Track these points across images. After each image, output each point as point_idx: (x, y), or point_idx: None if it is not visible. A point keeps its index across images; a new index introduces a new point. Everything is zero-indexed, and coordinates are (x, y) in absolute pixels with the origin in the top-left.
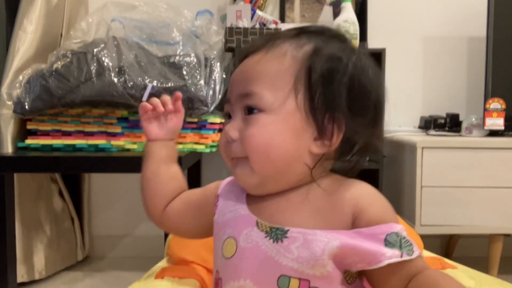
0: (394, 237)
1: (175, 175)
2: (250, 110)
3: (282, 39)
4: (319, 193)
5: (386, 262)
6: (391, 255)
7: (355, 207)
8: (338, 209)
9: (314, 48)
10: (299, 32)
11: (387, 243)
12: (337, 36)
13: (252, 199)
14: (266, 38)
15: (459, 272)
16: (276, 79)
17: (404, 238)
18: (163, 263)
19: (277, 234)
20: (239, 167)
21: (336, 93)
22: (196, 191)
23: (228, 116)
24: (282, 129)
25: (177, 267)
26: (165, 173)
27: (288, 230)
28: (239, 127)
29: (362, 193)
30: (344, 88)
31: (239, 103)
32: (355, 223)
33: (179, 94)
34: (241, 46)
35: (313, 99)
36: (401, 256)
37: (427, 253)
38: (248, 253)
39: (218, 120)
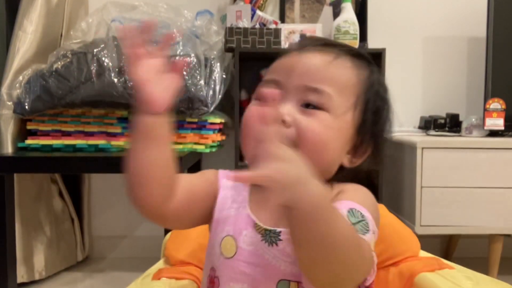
0: (357, 214)
1: (172, 158)
2: (308, 104)
3: (345, 52)
4: None
5: None
6: None
7: (339, 193)
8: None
9: (371, 79)
10: (357, 53)
11: (349, 214)
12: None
13: (255, 197)
14: (327, 43)
15: (457, 272)
16: (344, 89)
17: (364, 218)
18: (160, 264)
19: (271, 237)
20: None
21: (379, 126)
22: (196, 181)
23: (263, 98)
24: (338, 134)
25: (174, 268)
26: (170, 156)
27: (280, 232)
28: (294, 115)
29: (351, 185)
30: (385, 123)
31: (299, 93)
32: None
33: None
34: (241, 46)
35: (363, 122)
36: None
37: (424, 254)
38: (248, 256)
39: (218, 120)
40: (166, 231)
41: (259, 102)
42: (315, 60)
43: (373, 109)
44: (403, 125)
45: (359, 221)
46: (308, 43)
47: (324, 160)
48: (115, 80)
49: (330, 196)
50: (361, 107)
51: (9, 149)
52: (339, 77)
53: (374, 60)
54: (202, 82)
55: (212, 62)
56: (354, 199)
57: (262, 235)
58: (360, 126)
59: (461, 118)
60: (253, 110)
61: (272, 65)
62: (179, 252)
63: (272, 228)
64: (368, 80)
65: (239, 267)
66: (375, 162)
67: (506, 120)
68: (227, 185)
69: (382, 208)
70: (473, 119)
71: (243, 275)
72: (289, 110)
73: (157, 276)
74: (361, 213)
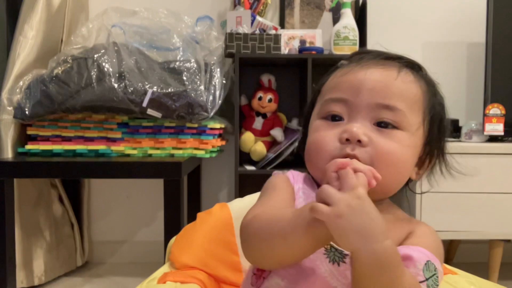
0: (432, 267)
1: None
2: (381, 122)
3: (405, 65)
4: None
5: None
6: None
7: (411, 233)
8: (394, 231)
9: (431, 90)
10: (413, 64)
11: (425, 268)
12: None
13: None
14: (387, 57)
15: (460, 278)
16: (414, 104)
17: (436, 272)
18: (165, 268)
19: (335, 255)
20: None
21: (442, 138)
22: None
23: (332, 118)
24: (413, 152)
25: (179, 272)
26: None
27: (346, 255)
28: (368, 134)
29: (423, 226)
30: (447, 131)
31: (371, 111)
32: (403, 242)
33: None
34: (241, 52)
35: (431, 135)
36: (424, 282)
37: None
38: (308, 268)
39: (218, 125)
40: (166, 236)
41: (327, 121)
42: (382, 75)
43: (438, 121)
44: None
45: (432, 276)
46: (367, 56)
47: (401, 178)
48: (115, 85)
49: (401, 234)
50: (428, 120)
51: (9, 154)
52: (407, 93)
53: None
54: (202, 87)
55: (212, 68)
56: (430, 248)
57: (326, 249)
58: (428, 139)
59: (460, 124)
60: (324, 128)
61: (332, 80)
62: (184, 256)
63: (339, 248)
64: (429, 91)
65: (292, 267)
66: (441, 170)
67: (505, 126)
68: (303, 188)
69: None
70: (473, 125)
71: (292, 275)
72: (364, 129)
73: (162, 280)
74: (435, 267)
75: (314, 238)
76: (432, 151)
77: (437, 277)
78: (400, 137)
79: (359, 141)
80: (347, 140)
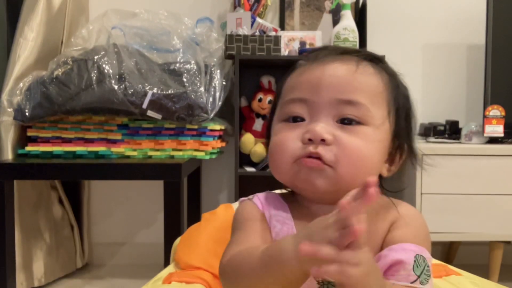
0: (421, 260)
1: None
2: (344, 119)
3: (363, 58)
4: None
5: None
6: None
7: (394, 222)
8: (377, 225)
9: (394, 81)
10: (373, 57)
11: (415, 265)
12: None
13: (298, 216)
14: (343, 51)
15: (464, 279)
16: (375, 97)
17: (426, 262)
18: (170, 268)
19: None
20: (318, 171)
21: (410, 131)
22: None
23: (293, 119)
24: (380, 147)
25: (184, 272)
26: None
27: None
28: (332, 132)
29: (405, 210)
30: (414, 123)
31: (333, 108)
32: (387, 236)
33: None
34: (241, 53)
35: (398, 128)
36: (417, 280)
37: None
38: None
39: (218, 127)
40: (166, 238)
41: (288, 123)
42: (340, 70)
43: (404, 113)
44: None
45: (423, 270)
46: (322, 52)
47: (366, 174)
48: (116, 87)
49: (384, 226)
50: (394, 112)
51: (9, 156)
52: (368, 85)
53: None
54: (202, 89)
55: (212, 69)
56: (416, 237)
57: (319, 283)
58: (396, 133)
59: (460, 125)
60: (285, 130)
61: (290, 81)
62: (189, 256)
63: (332, 280)
64: (391, 83)
65: None
66: (412, 163)
67: (505, 127)
68: (273, 222)
69: None
70: (473, 126)
71: None
72: (325, 128)
73: (167, 280)
74: (423, 258)
75: (294, 276)
76: (402, 145)
77: (428, 266)
78: (364, 132)
79: (322, 140)
80: (310, 140)
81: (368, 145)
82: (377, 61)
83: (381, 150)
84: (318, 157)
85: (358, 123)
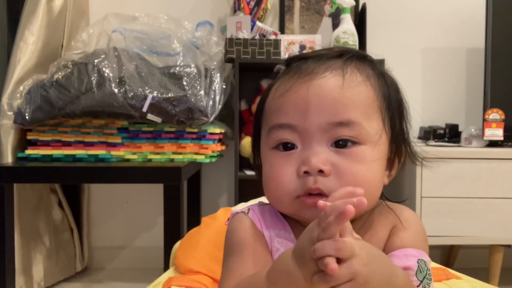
0: (423, 266)
1: None
2: (338, 141)
3: (349, 60)
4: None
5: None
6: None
7: (393, 227)
8: (378, 233)
9: (383, 83)
10: (359, 55)
11: (418, 271)
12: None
13: (297, 228)
14: (322, 57)
15: (464, 282)
16: (368, 109)
17: (427, 266)
18: (170, 273)
19: None
20: None
21: (405, 129)
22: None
23: (284, 146)
24: (379, 164)
25: (183, 277)
26: None
27: None
28: (329, 160)
29: (403, 214)
30: (407, 119)
31: (325, 132)
32: (388, 242)
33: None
34: (241, 57)
35: (394, 134)
36: (420, 285)
37: (432, 264)
38: None
39: (218, 130)
40: (166, 242)
41: (279, 151)
42: (327, 87)
43: (398, 114)
44: None
45: (425, 275)
46: (302, 62)
47: (374, 195)
48: (116, 90)
49: (385, 232)
50: (388, 120)
51: (9, 159)
52: (358, 99)
53: None
54: (202, 92)
55: (212, 73)
56: (416, 241)
57: None
58: (392, 139)
59: (460, 129)
60: (278, 161)
61: (274, 100)
62: (189, 261)
63: None
64: (381, 87)
65: None
66: (413, 162)
67: (505, 131)
68: (275, 244)
69: None
70: (473, 130)
71: None
72: (321, 157)
73: (167, 285)
74: (424, 262)
75: None
76: (400, 149)
77: (429, 270)
78: (363, 154)
79: (320, 170)
80: (306, 172)
81: (368, 167)
82: (362, 58)
83: (382, 166)
84: (319, 193)
85: (354, 143)
